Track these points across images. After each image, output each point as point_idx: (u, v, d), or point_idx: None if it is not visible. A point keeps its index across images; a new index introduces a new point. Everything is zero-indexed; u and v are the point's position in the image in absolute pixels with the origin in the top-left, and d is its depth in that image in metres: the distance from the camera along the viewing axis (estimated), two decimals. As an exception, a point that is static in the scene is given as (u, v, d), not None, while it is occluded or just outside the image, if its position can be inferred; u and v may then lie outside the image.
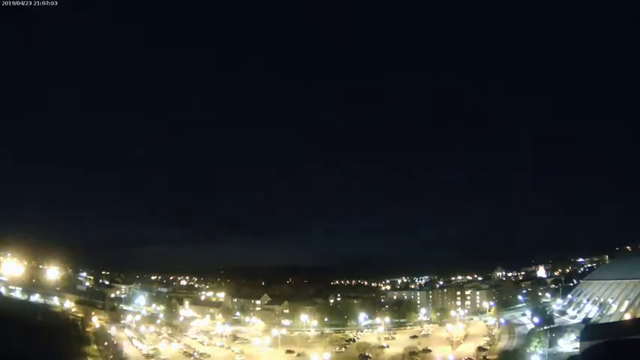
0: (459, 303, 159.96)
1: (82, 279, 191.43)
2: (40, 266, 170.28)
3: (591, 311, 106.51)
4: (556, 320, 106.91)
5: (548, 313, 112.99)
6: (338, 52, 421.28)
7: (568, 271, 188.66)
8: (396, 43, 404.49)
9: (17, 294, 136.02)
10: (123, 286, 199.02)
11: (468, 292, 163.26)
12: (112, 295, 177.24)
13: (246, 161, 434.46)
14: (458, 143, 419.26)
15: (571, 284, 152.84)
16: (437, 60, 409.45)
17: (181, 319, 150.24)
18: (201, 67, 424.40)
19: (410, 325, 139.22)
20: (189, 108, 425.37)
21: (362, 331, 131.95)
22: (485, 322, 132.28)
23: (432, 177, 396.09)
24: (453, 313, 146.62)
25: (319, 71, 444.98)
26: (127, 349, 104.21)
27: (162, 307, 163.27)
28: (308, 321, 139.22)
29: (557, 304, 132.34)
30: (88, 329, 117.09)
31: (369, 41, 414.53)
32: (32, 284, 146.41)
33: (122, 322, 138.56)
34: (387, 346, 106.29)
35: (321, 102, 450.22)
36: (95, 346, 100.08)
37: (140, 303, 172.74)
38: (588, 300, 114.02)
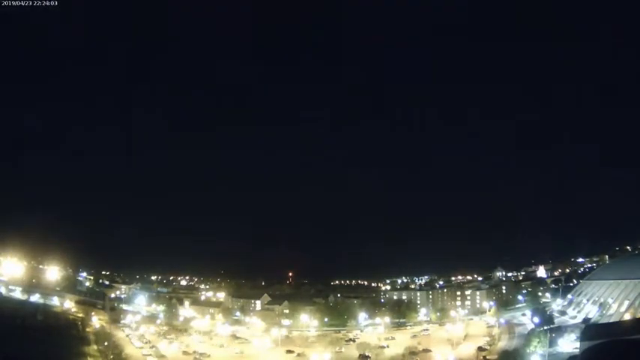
0: (459, 303, 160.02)
1: (82, 279, 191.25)
2: (40, 266, 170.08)
3: (591, 311, 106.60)
4: (556, 320, 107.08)
5: (548, 313, 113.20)
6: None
7: (568, 271, 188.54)
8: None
9: (17, 294, 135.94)
10: (123, 286, 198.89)
11: (468, 292, 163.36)
12: (112, 295, 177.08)
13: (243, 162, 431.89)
14: (457, 145, 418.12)
15: (571, 284, 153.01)
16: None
17: (181, 319, 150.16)
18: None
19: (410, 325, 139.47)
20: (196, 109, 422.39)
21: (362, 331, 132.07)
22: (485, 322, 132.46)
23: (431, 176, 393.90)
24: (453, 313, 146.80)
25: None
26: (127, 349, 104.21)
27: (162, 307, 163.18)
28: (308, 321, 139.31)
29: (557, 304, 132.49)
30: (88, 329, 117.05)
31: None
32: (32, 284, 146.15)
33: (122, 322, 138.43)
34: (387, 346, 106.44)
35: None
36: (95, 346, 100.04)
37: (140, 303, 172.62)
38: (588, 300, 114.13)
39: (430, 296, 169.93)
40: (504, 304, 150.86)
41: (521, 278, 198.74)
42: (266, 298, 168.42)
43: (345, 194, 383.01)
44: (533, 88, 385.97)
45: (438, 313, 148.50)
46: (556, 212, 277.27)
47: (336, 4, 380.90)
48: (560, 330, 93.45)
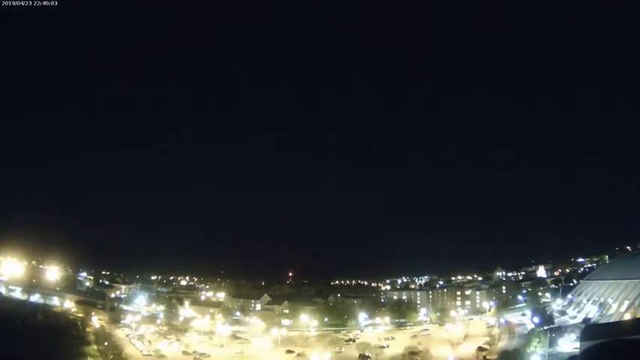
0: (459, 303, 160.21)
1: (82, 279, 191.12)
2: (40, 266, 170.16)
3: (591, 311, 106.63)
4: (556, 320, 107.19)
5: (548, 313, 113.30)
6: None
7: (568, 271, 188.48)
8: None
9: (17, 294, 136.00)
10: (123, 286, 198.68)
11: (468, 292, 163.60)
12: (112, 295, 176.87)
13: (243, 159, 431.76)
14: (457, 144, 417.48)
15: (571, 284, 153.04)
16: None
17: (181, 319, 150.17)
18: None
19: (410, 325, 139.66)
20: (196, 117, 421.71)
21: (362, 331, 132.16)
22: (485, 322, 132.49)
23: (432, 175, 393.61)
24: (453, 313, 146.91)
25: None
26: (127, 349, 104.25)
27: (162, 307, 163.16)
28: (308, 321, 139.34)
29: (557, 304, 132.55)
30: (88, 329, 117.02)
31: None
32: (32, 284, 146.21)
33: (122, 322, 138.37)
34: (387, 346, 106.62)
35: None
36: (95, 346, 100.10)
37: (140, 303, 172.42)
38: (588, 300, 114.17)
39: (430, 296, 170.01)
40: (504, 304, 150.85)
41: (521, 278, 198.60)
42: (266, 298, 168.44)
43: (345, 194, 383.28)
44: (533, 87, 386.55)
45: (438, 313, 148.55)
46: (556, 212, 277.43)
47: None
48: (560, 330, 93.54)
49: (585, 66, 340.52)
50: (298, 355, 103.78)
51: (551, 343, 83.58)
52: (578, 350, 65.69)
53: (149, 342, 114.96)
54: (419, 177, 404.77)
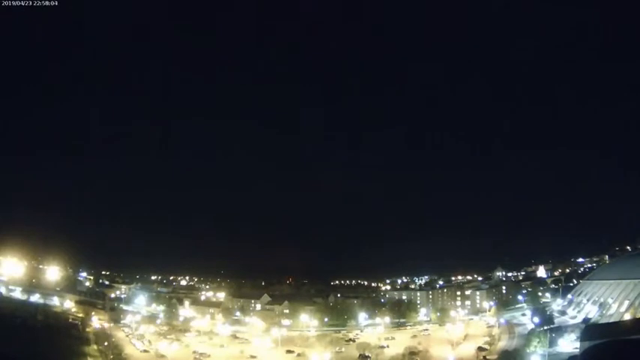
0: (459, 303, 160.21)
1: (82, 279, 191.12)
2: (40, 266, 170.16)
3: (591, 311, 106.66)
4: (556, 320, 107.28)
5: (548, 313, 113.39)
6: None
7: (568, 271, 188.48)
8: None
9: (17, 294, 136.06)
10: (123, 286, 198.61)
11: (468, 292, 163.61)
12: (112, 295, 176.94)
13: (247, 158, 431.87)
14: (457, 144, 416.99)
15: (571, 284, 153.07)
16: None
17: (181, 319, 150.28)
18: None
19: (410, 325, 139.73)
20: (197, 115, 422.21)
21: (362, 331, 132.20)
22: (485, 322, 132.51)
23: (431, 175, 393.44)
24: (453, 313, 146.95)
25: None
26: (127, 349, 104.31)
27: (162, 307, 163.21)
28: (308, 321, 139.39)
29: (557, 304, 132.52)
30: (88, 329, 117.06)
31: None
32: (32, 284, 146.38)
33: (122, 322, 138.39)
34: (387, 346, 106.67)
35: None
36: (95, 346, 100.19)
37: (140, 303, 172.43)
38: (588, 300, 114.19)
39: (430, 296, 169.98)
40: (504, 304, 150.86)
41: (521, 278, 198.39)
42: (266, 298, 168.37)
43: (345, 195, 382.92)
44: (533, 86, 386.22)
45: (438, 313, 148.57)
46: (556, 212, 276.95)
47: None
48: (560, 330, 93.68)
49: (585, 65, 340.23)
50: (298, 355, 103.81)
51: (551, 343, 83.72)
52: (578, 350, 65.76)
53: (149, 342, 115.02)
54: (418, 177, 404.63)
